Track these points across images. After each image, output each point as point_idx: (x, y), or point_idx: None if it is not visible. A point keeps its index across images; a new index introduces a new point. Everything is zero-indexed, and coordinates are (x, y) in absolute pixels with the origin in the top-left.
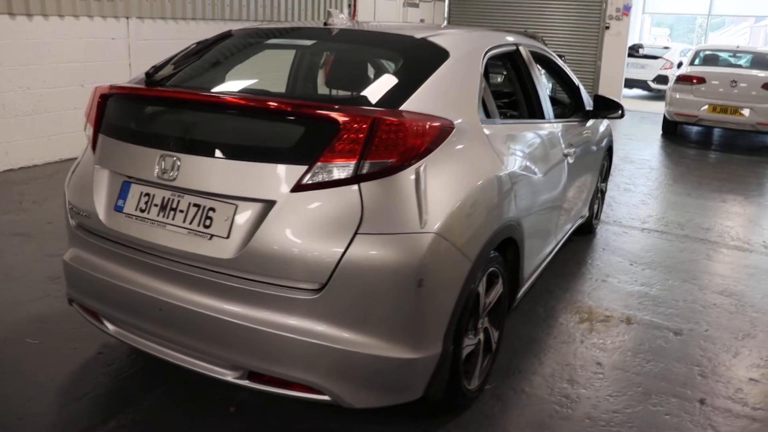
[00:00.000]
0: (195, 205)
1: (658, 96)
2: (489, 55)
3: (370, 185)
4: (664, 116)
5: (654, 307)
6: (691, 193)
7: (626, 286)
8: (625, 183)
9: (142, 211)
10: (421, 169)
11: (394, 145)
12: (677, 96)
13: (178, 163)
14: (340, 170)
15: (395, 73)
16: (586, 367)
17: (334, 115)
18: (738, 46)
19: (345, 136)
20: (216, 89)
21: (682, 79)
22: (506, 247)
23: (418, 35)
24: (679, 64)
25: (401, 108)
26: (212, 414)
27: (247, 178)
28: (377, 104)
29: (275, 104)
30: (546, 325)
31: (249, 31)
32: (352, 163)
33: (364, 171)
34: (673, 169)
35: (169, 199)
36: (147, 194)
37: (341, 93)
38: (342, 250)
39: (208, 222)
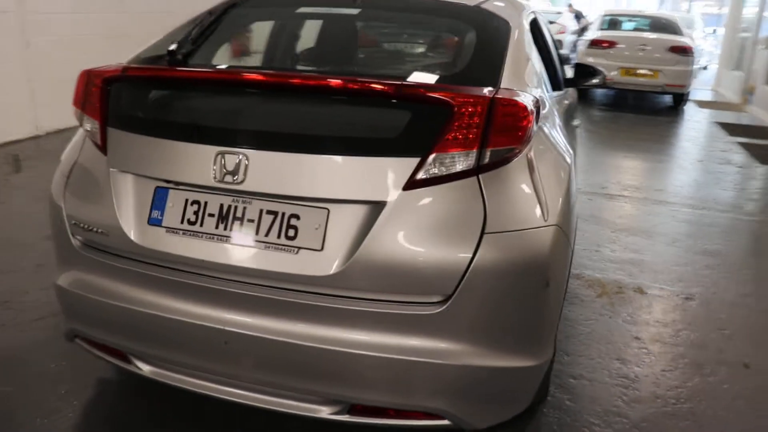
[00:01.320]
0: (270, 212)
1: None
2: (529, 22)
3: (489, 176)
4: None
5: (656, 275)
6: (628, 155)
7: (620, 254)
8: None
9: (192, 223)
10: (531, 153)
11: (512, 129)
12: (590, 60)
13: (246, 162)
14: (460, 161)
15: (476, 48)
16: (628, 343)
17: (445, 96)
18: (640, 11)
19: (461, 121)
20: (275, 68)
21: (595, 44)
22: None
23: (470, 2)
24: (583, 29)
25: (501, 86)
26: None
27: (342, 176)
28: (473, 83)
29: (374, 85)
30: (567, 302)
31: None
32: (473, 152)
33: (486, 161)
34: (600, 132)
35: (230, 206)
36: (196, 202)
37: (420, 71)
38: (470, 254)
39: (291, 232)
